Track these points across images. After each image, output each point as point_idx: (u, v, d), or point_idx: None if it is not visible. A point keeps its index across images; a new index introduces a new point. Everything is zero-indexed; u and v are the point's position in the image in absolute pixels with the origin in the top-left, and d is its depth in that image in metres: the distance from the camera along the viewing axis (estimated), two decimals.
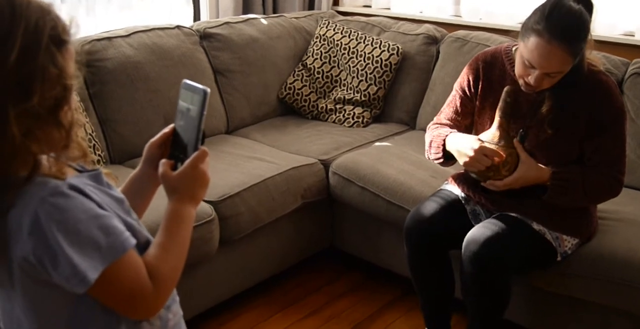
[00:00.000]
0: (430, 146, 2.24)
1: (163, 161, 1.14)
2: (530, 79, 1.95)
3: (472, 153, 2.03)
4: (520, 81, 2.00)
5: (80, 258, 0.95)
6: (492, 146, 2.04)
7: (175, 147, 1.15)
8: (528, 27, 1.91)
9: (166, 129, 1.18)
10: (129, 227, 1.04)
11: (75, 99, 1.01)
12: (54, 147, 0.99)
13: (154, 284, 1.03)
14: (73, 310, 1.03)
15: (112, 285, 1.00)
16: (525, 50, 1.92)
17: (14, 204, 0.95)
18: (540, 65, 1.90)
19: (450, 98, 2.29)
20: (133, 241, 1.02)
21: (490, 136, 2.07)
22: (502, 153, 2.02)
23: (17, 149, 0.93)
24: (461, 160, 2.09)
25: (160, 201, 1.25)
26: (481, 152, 2.02)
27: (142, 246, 1.08)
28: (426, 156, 2.30)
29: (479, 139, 2.07)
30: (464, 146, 2.07)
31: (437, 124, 2.29)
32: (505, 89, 2.05)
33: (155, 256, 1.06)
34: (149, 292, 1.03)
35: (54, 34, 0.95)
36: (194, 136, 1.11)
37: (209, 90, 1.09)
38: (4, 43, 0.90)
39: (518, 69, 1.99)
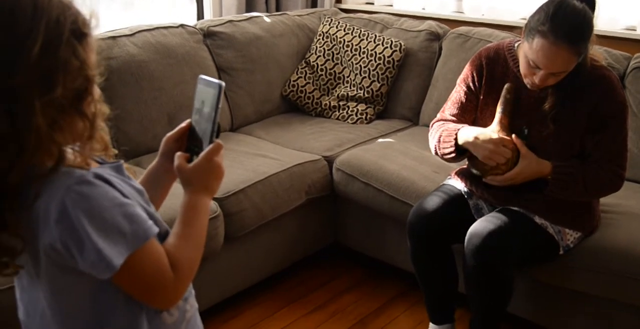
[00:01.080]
0: (439, 141, 2.22)
1: (178, 153, 1.17)
2: (536, 79, 1.96)
3: (491, 145, 2.03)
4: (526, 80, 2.01)
5: (106, 244, 0.98)
6: None
7: (191, 141, 1.19)
8: (532, 27, 1.91)
9: (183, 124, 1.21)
10: (151, 217, 1.07)
11: (97, 90, 1.03)
12: (78, 137, 1.01)
13: (174, 273, 1.06)
14: (96, 299, 1.05)
15: (135, 272, 1.02)
16: (529, 51, 1.92)
17: (40, 193, 0.97)
18: (545, 66, 1.91)
19: (454, 94, 2.29)
20: (156, 229, 1.05)
21: (490, 131, 2.08)
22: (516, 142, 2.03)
23: (42, 140, 0.95)
24: (479, 153, 2.07)
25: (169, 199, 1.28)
26: (501, 143, 2.03)
27: (162, 237, 1.10)
28: (433, 152, 2.28)
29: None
30: (481, 138, 2.06)
31: (441, 120, 2.29)
32: (506, 86, 2.07)
33: (174, 245, 1.08)
34: (170, 281, 1.05)
35: (75, 27, 0.98)
36: (209, 129, 1.14)
37: (223, 84, 1.12)
38: (26, 38, 0.93)
39: (523, 69, 2.00)
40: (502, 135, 2.05)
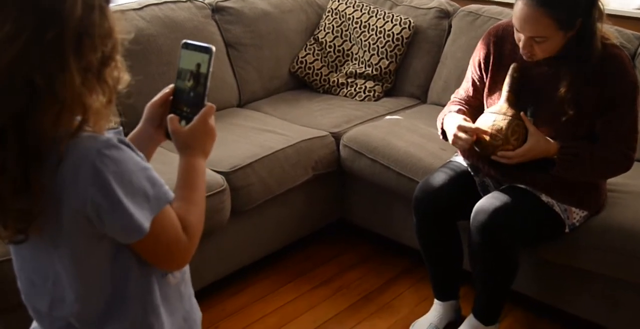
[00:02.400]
0: (438, 121, 2.28)
1: (171, 116, 1.17)
2: (520, 45, 1.98)
3: (454, 131, 2.08)
4: (521, 51, 2.02)
5: (135, 208, 1.00)
6: (501, 117, 2.04)
7: (176, 106, 1.19)
8: None
9: (166, 89, 1.21)
10: None
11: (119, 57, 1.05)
12: (99, 100, 1.02)
13: (186, 235, 1.09)
14: (114, 263, 1.07)
15: (156, 235, 1.04)
16: (513, 15, 1.96)
17: (64, 157, 0.97)
18: (522, 28, 1.93)
19: (467, 73, 2.31)
20: (172, 193, 1.07)
21: (498, 107, 2.08)
22: (485, 129, 2.04)
23: (75, 100, 0.97)
24: (450, 140, 2.14)
25: None
26: (460, 129, 2.06)
27: None
28: (438, 122, 2.33)
29: (490, 112, 2.09)
30: (450, 126, 2.12)
31: (454, 99, 2.34)
32: (512, 65, 2.06)
33: (182, 208, 1.10)
34: (185, 242, 1.09)
35: None
36: (201, 93, 1.15)
37: (214, 48, 1.14)
38: (66, 3, 0.95)
39: (515, 39, 2.02)
40: (510, 111, 2.05)
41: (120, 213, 0.99)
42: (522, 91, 2.09)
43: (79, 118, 0.99)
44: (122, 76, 1.05)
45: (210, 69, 1.14)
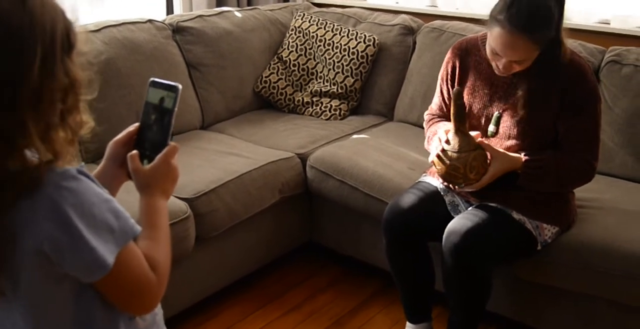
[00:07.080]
0: (429, 141, 2.26)
1: (132, 154, 1.13)
2: (500, 65, 1.98)
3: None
4: (493, 64, 2.03)
5: (98, 242, 0.94)
6: (455, 155, 2.01)
7: (140, 144, 1.15)
8: (492, 16, 1.94)
9: (131, 128, 1.17)
10: None
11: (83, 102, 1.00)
12: (60, 140, 0.97)
13: (155, 274, 1.03)
14: (77, 308, 1.01)
15: (122, 273, 0.99)
16: (491, 39, 1.95)
17: (22, 194, 0.92)
18: (504, 54, 1.94)
19: (437, 87, 2.32)
20: (139, 227, 1.02)
21: (451, 144, 2.04)
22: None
23: (36, 147, 0.92)
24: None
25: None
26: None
27: None
28: (426, 147, 2.30)
29: (443, 149, 2.05)
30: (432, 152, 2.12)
31: (430, 114, 2.35)
32: (454, 91, 2.01)
33: (148, 247, 1.05)
34: (154, 281, 1.03)
35: (64, 41, 0.94)
36: (165, 132, 1.12)
37: (180, 86, 1.11)
38: (24, 55, 0.89)
39: (488, 55, 2.02)
40: (464, 146, 2.00)
41: (81, 248, 0.93)
42: (490, 98, 2.10)
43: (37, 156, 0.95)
44: (85, 121, 1.00)
45: (175, 109, 1.11)
